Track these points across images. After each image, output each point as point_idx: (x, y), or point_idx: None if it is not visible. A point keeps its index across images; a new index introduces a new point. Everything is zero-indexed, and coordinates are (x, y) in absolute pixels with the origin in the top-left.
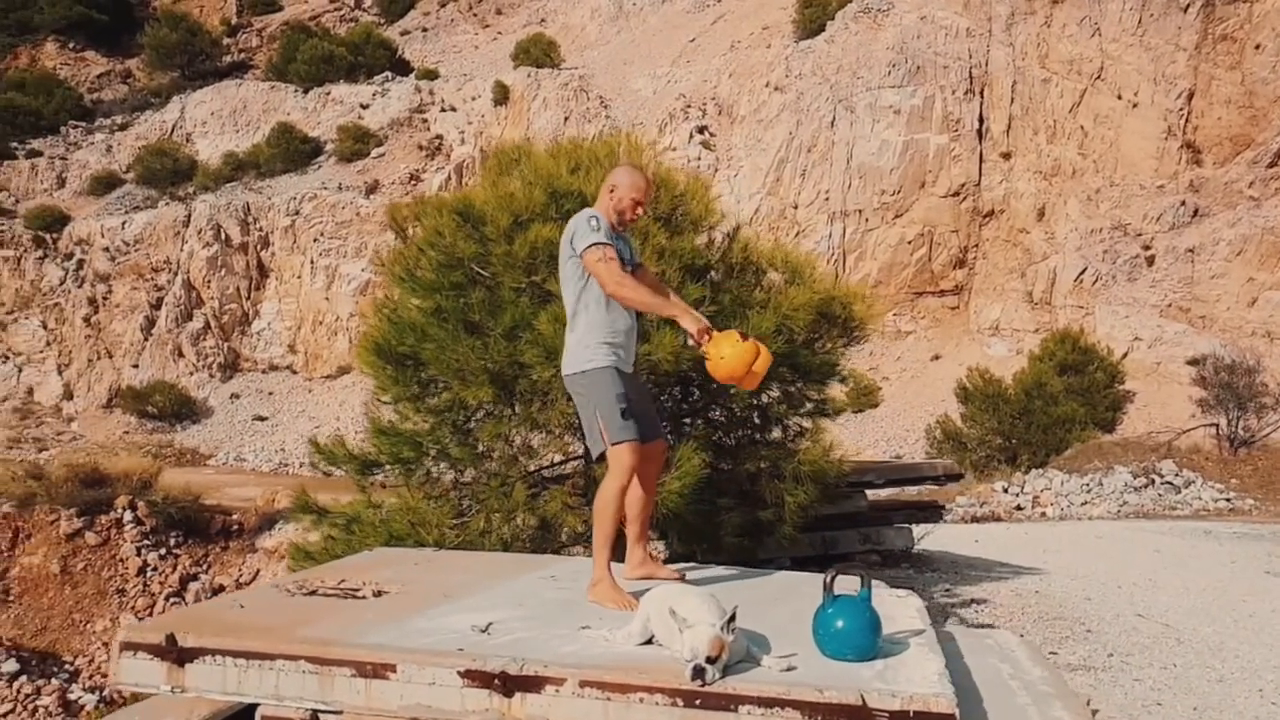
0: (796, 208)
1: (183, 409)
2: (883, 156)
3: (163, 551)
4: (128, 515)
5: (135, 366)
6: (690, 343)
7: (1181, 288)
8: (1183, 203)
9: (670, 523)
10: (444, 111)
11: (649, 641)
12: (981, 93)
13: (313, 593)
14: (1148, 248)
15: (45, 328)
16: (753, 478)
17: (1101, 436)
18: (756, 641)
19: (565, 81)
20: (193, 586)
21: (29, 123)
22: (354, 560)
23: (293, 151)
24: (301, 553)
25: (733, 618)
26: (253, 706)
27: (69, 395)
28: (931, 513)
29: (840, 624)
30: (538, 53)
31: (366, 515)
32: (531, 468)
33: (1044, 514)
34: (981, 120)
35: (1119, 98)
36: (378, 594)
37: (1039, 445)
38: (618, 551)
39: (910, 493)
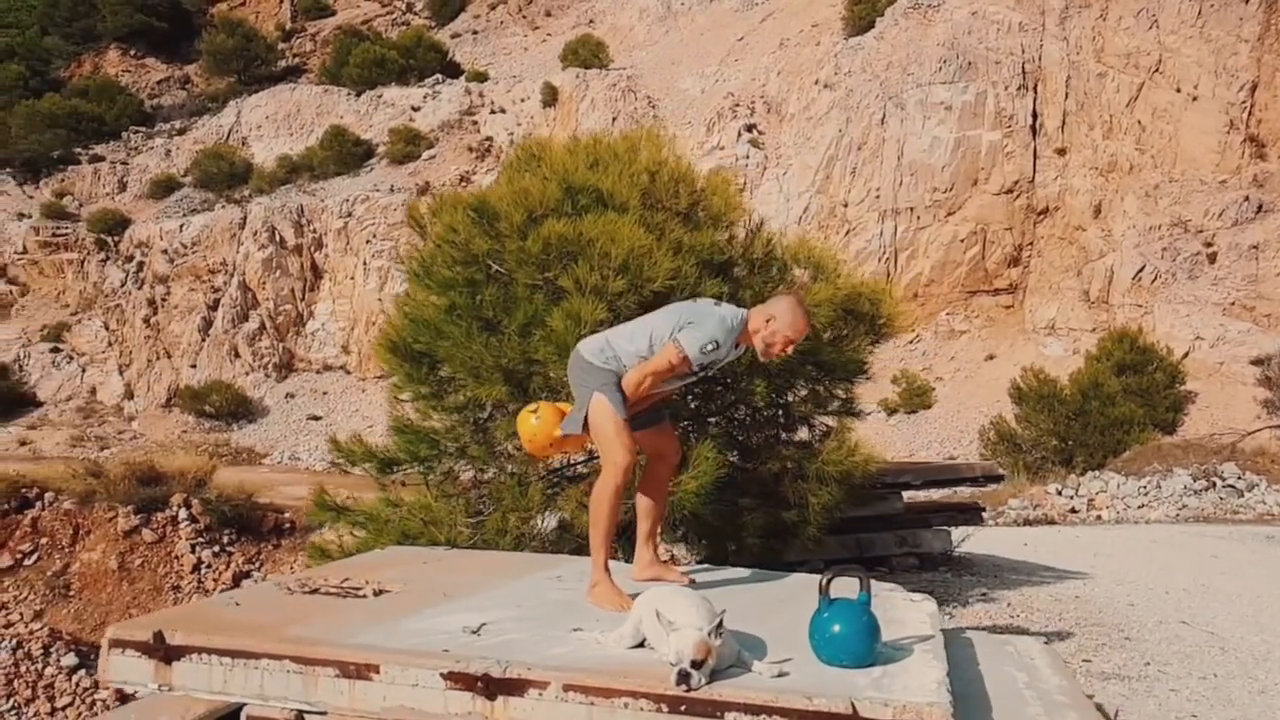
0: (846, 206)
1: (239, 408)
2: (934, 153)
3: (216, 549)
4: (183, 513)
5: (193, 366)
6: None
7: (1245, 285)
8: (1246, 198)
9: (690, 523)
10: (494, 113)
11: (642, 644)
12: (1035, 88)
13: (315, 591)
14: (1209, 244)
15: (107, 328)
16: (776, 478)
17: (1161, 438)
18: (752, 646)
19: (613, 82)
20: (245, 584)
21: (92, 129)
22: (363, 559)
23: (345, 154)
24: (318, 551)
25: (721, 621)
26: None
27: (130, 395)
28: (971, 515)
29: (836, 629)
30: (586, 53)
31: (384, 514)
32: (552, 466)
33: (1099, 517)
34: (1035, 116)
35: (1178, 91)
36: (378, 593)
37: (1095, 447)
38: (626, 553)
39: (964, 493)
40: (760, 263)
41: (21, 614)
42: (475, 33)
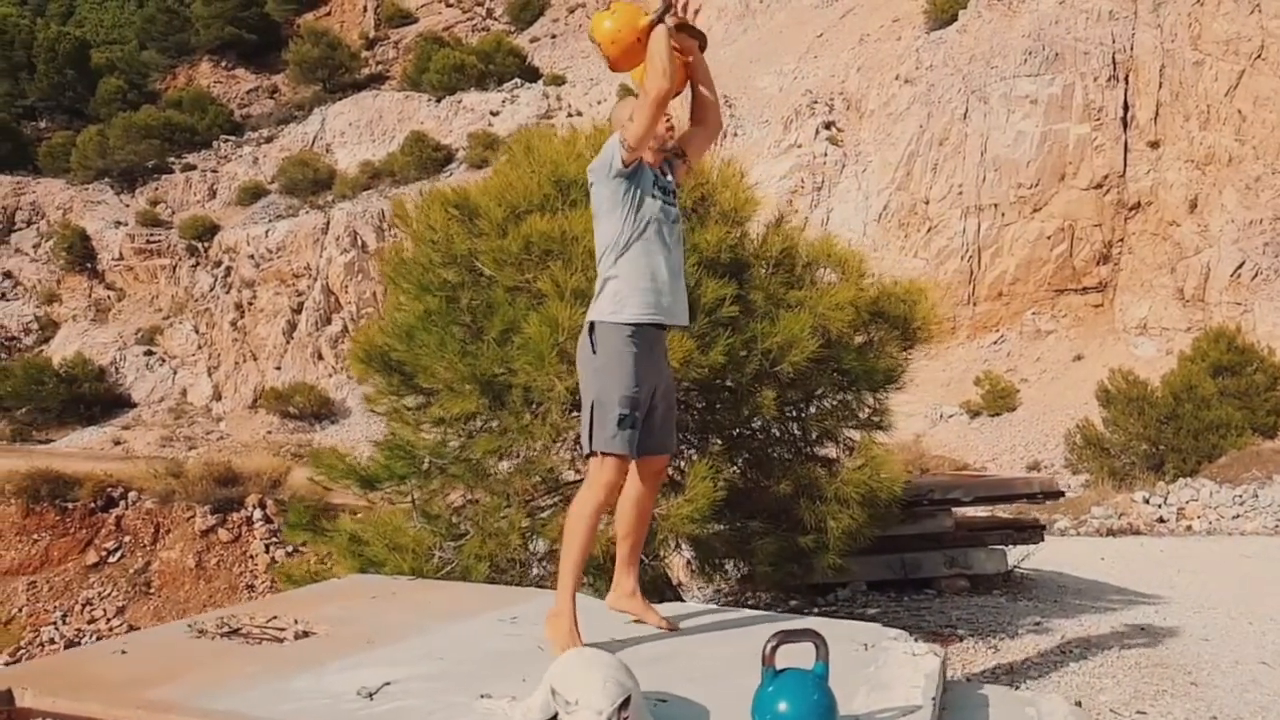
0: (928, 203)
1: (322, 409)
2: (1019, 148)
3: (289, 549)
4: (257, 513)
5: (278, 368)
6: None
7: None
8: None
9: (693, 547)
10: (570, 117)
11: (554, 717)
12: (1126, 79)
13: (234, 632)
14: None
15: (197, 332)
16: (791, 498)
17: (1261, 443)
18: None
19: None
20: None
21: (185, 138)
22: (309, 591)
23: (425, 159)
24: (284, 575)
25: (628, 700)
26: None
27: (218, 396)
28: (1032, 533)
29: (782, 707)
30: None
31: (360, 534)
32: (535, 486)
33: (1189, 528)
34: (1126, 108)
35: None
36: (299, 636)
37: (1189, 452)
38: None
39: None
40: (776, 262)
41: (104, 610)
42: (554, 36)
